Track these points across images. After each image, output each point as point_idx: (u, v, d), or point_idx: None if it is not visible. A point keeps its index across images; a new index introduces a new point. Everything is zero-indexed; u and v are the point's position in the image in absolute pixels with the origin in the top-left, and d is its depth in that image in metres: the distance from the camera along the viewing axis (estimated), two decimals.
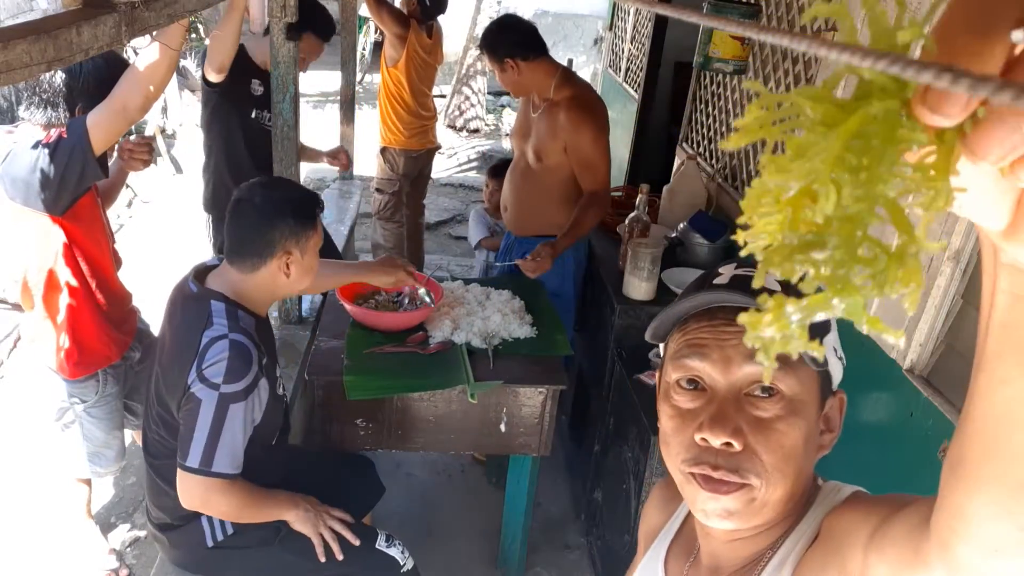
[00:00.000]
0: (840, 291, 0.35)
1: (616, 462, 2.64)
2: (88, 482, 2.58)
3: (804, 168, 0.35)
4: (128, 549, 2.74)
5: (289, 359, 2.67)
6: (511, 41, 2.83)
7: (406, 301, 2.61)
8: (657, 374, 0.89)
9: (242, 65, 3.03)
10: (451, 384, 2.29)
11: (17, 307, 2.18)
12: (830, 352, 0.81)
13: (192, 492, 1.74)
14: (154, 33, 1.95)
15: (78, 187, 2.06)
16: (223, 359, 1.67)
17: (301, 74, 2.82)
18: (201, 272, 1.87)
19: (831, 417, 0.84)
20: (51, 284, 2.14)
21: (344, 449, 2.38)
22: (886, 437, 2.11)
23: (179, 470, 1.73)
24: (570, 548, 2.66)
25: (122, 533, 2.78)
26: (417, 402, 2.31)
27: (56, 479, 2.66)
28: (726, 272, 0.83)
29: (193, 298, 1.78)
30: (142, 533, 2.77)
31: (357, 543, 1.93)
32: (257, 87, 3.11)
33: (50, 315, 2.18)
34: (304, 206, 1.81)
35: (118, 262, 2.41)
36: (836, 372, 0.84)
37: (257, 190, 1.78)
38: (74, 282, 2.14)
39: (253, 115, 3.13)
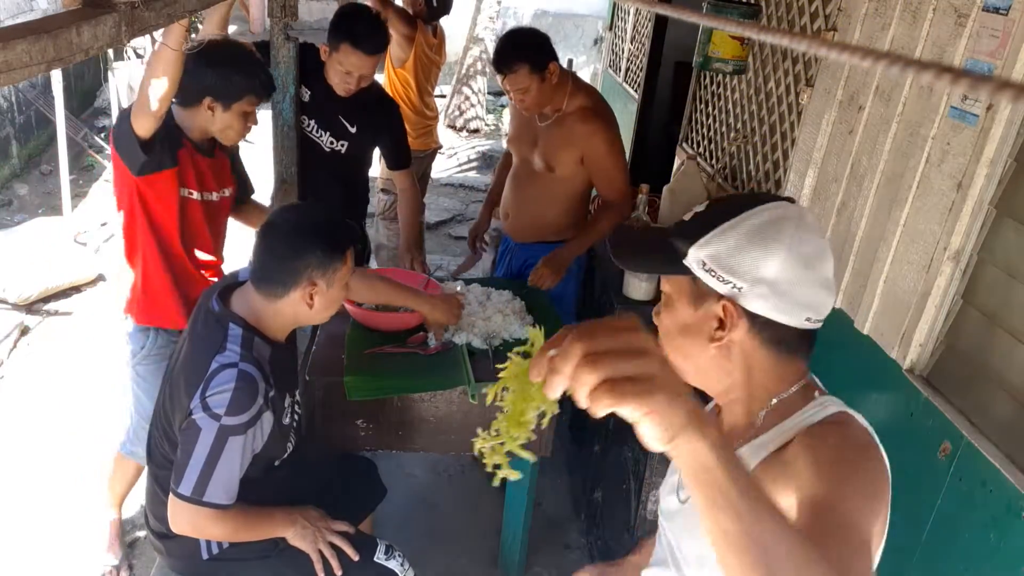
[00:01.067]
0: (514, 429, 0.81)
1: (616, 462, 2.64)
2: (138, 471, 2.60)
3: (511, 396, 0.81)
4: (128, 549, 2.73)
5: None
6: (547, 42, 2.76)
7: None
8: None
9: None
10: (451, 385, 2.29)
11: (17, 307, 2.23)
12: (697, 267, 1.06)
13: (182, 518, 1.72)
14: (155, 35, 1.96)
15: (135, 157, 2.19)
16: (228, 389, 1.64)
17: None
18: (227, 289, 1.84)
19: (723, 319, 1.07)
20: (130, 230, 2.35)
21: (344, 449, 2.38)
22: (886, 437, 2.10)
23: (171, 495, 1.71)
24: (570, 548, 2.66)
25: (122, 533, 2.78)
26: (417, 403, 2.31)
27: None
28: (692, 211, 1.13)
29: (214, 317, 1.75)
30: (142, 533, 2.77)
31: (356, 558, 1.90)
32: (304, 93, 2.94)
33: (128, 257, 2.38)
34: (335, 237, 1.77)
35: (215, 253, 2.56)
36: (713, 284, 1.06)
37: (289, 215, 1.76)
38: (143, 237, 2.34)
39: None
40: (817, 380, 1.17)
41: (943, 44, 1.89)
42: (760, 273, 1.03)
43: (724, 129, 3.44)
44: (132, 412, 2.52)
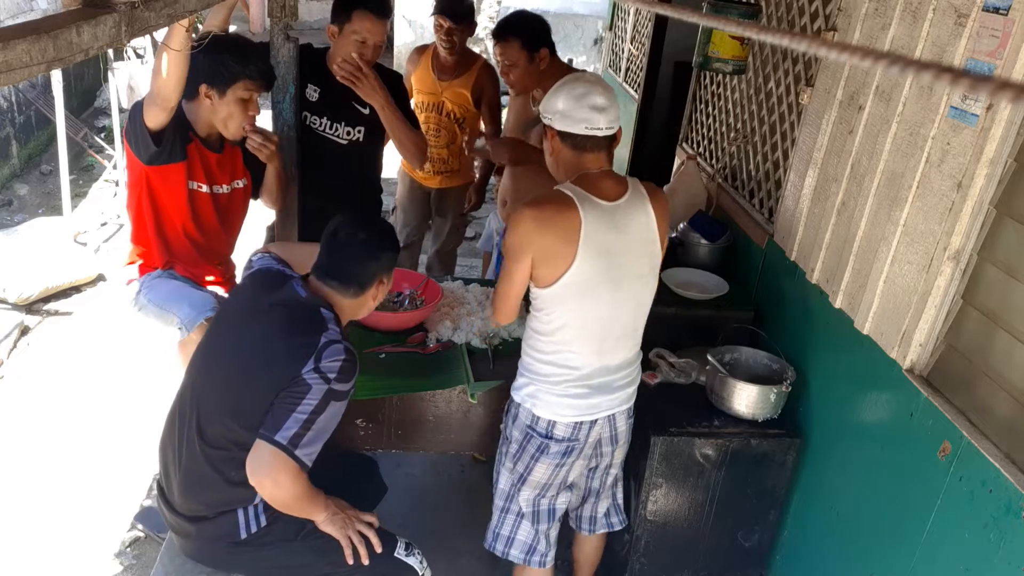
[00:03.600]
0: None
1: None
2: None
3: None
4: (128, 549, 2.74)
5: None
6: (547, 32, 2.97)
7: (406, 302, 2.61)
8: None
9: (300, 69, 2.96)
10: (451, 384, 2.29)
11: (17, 307, 2.26)
12: (542, 115, 2.01)
13: (267, 464, 1.77)
14: (155, 35, 1.98)
15: (146, 146, 2.31)
16: (340, 360, 1.81)
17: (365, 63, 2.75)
18: (302, 279, 1.98)
19: (549, 136, 2.01)
20: (138, 210, 2.48)
21: (344, 449, 2.38)
22: (886, 437, 2.11)
23: (260, 441, 1.77)
24: (570, 548, 2.65)
25: (122, 533, 2.78)
26: (417, 402, 2.31)
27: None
28: None
29: (301, 303, 1.90)
30: (142, 534, 2.77)
31: (380, 549, 1.95)
32: (312, 92, 2.94)
33: (134, 220, 2.51)
34: (394, 241, 2.04)
35: (225, 245, 2.71)
36: (544, 120, 2.00)
37: (361, 226, 1.97)
38: (149, 220, 2.47)
39: (307, 121, 2.98)
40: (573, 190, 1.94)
41: (943, 44, 1.89)
42: (556, 107, 1.94)
43: (724, 129, 3.44)
44: (174, 318, 2.48)
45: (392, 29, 9.74)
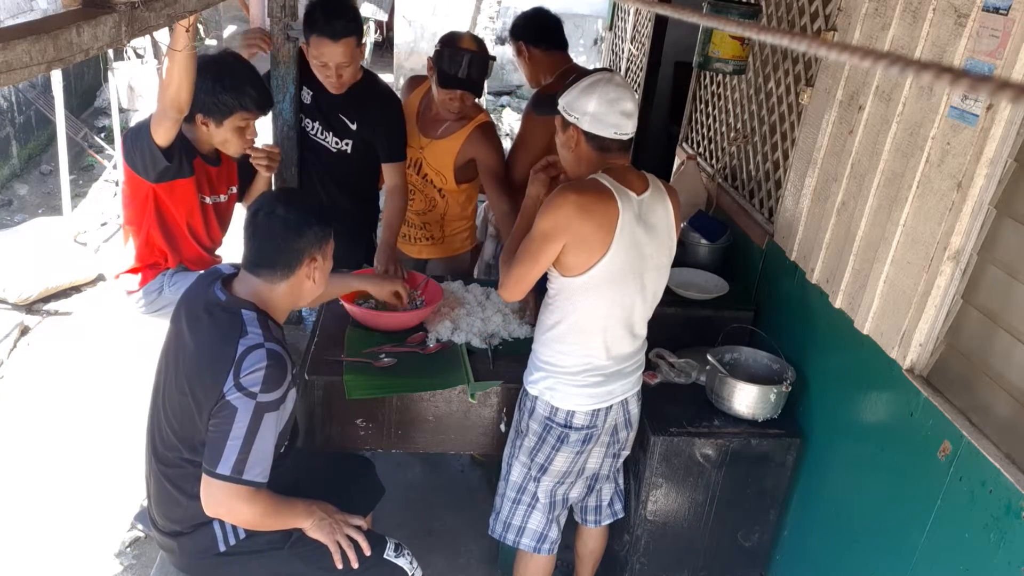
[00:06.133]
0: None
1: None
2: None
3: None
4: (128, 549, 2.74)
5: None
6: (531, 26, 3.09)
7: (405, 303, 2.61)
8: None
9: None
10: (451, 384, 2.29)
11: (17, 307, 2.26)
12: (561, 110, 2.00)
13: (218, 499, 1.73)
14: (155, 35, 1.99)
15: (155, 164, 2.31)
16: (261, 368, 1.69)
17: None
18: (225, 280, 1.87)
19: (574, 136, 2.01)
20: (147, 227, 2.47)
21: (344, 449, 2.38)
22: (886, 437, 2.11)
23: (205, 476, 1.71)
24: (570, 548, 2.66)
25: (122, 533, 2.78)
26: (417, 402, 2.31)
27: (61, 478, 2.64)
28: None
29: (221, 306, 1.79)
30: (142, 534, 2.77)
31: (369, 552, 1.93)
32: (306, 95, 2.91)
33: (141, 237, 2.49)
34: (322, 213, 1.88)
35: (220, 240, 2.71)
36: (567, 118, 1.99)
37: (279, 203, 1.83)
38: (158, 235, 2.48)
39: (301, 122, 2.96)
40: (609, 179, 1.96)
41: (943, 44, 1.89)
42: (586, 109, 1.92)
43: (724, 129, 3.44)
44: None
45: (392, 30, 9.74)
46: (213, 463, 1.70)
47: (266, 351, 1.71)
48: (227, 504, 1.74)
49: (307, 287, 1.87)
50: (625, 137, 1.97)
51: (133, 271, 2.53)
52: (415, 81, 3.03)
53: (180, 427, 1.79)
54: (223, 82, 2.31)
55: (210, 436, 1.72)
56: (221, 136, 2.42)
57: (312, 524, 1.89)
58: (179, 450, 1.81)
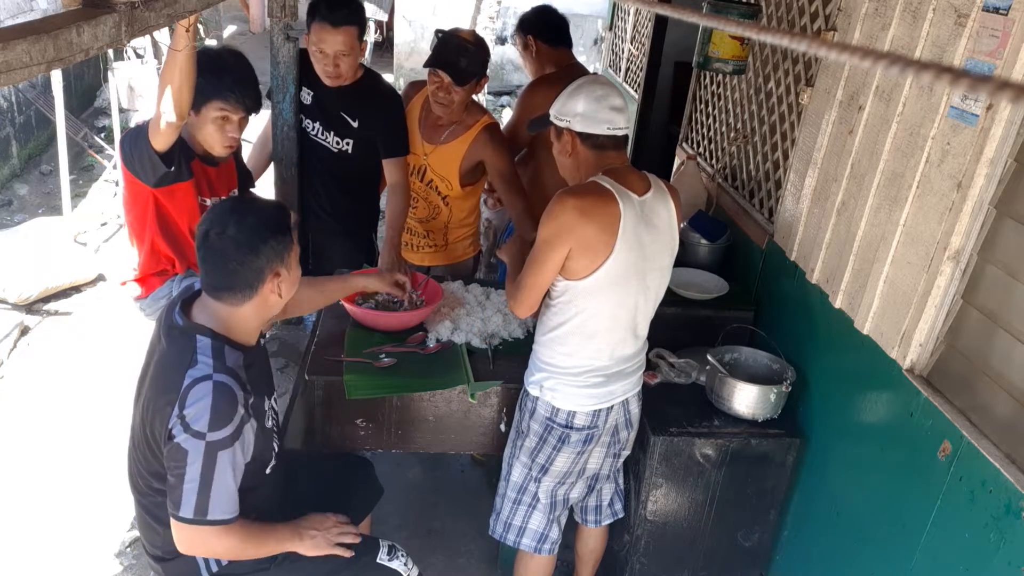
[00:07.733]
0: None
1: None
2: None
3: None
4: (128, 549, 2.74)
5: (289, 359, 2.67)
6: (541, 21, 3.22)
7: (405, 301, 2.61)
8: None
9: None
10: (451, 384, 2.29)
11: (17, 307, 2.26)
12: (553, 118, 2.03)
13: (190, 541, 1.69)
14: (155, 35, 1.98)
15: (154, 169, 2.28)
16: (207, 403, 1.58)
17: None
18: (186, 302, 1.76)
19: (568, 141, 2.03)
20: (150, 232, 2.45)
21: (344, 449, 2.38)
22: (886, 437, 2.11)
23: (172, 520, 1.66)
24: (570, 548, 2.66)
25: (122, 533, 2.78)
26: (417, 402, 2.31)
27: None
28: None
29: (178, 331, 1.69)
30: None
31: (349, 555, 1.89)
32: (306, 95, 2.90)
33: (145, 243, 2.47)
34: (279, 222, 1.72)
35: None
36: (559, 123, 2.02)
37: (228, 220, 1.66)
38: (160, 240, 2.46)
39: (301, 123, 2.95)
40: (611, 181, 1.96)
41: (943, 44, 1.89)
42: (575, 110, 1.95)
43: (724, 129, 3.44)
44: None
45: (392, 29, 9.75)
46: (176, 507, 1.63)
47: (212, 384, 1.59)
48: (200, 545, 1.71)
49: (273, 302, 1.74)
50: (619, 133, 1.98)
51: (139, 280, 2.51)
52: (416, 85, 2.98)
53: (145, 459, 1.74)
54: (208, 67, 2.28)
55: (168, 480, 1.65)
56: (201, 128, 2.37)
57: (305, 547, 1.84)
58: (149, 480, 1.76)
